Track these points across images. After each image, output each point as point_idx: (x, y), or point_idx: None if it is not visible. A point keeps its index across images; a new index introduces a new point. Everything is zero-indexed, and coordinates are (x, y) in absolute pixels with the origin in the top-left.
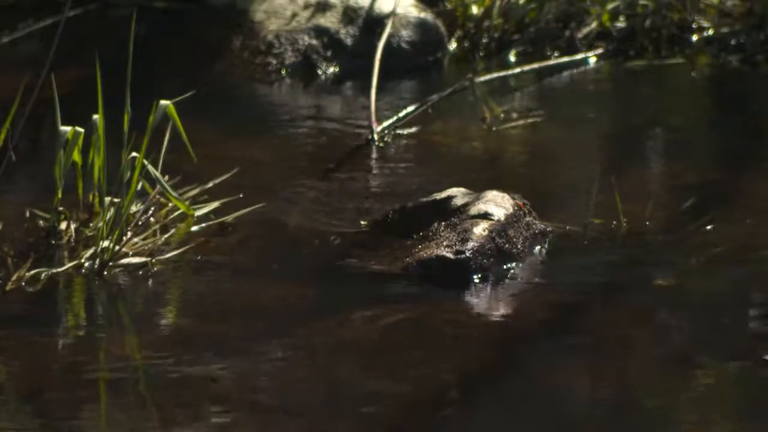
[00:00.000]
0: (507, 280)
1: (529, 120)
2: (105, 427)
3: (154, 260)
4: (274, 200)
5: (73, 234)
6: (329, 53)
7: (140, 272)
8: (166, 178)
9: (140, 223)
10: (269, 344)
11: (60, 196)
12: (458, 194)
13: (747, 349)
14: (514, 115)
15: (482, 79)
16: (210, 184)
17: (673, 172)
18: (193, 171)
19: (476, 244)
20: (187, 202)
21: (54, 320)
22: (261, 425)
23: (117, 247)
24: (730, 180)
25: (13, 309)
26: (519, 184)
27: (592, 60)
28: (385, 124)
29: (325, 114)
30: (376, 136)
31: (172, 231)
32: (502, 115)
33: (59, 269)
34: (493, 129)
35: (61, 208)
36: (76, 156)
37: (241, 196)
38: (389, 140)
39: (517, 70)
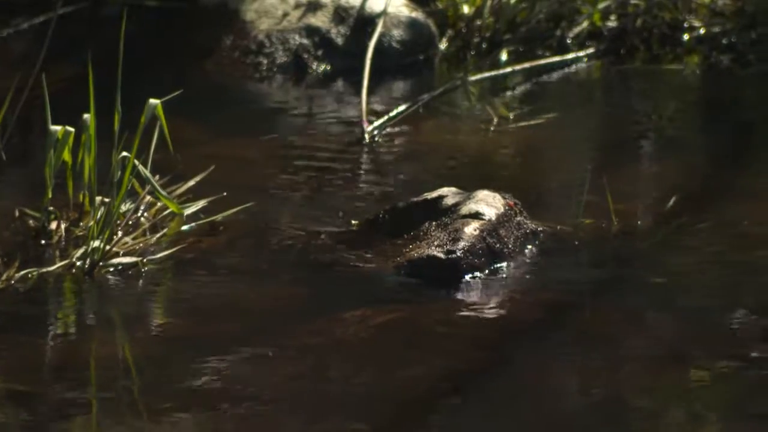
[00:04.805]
0: (498, 280)
1: (523, 121)
2: (95, 427)
3: (144, 260)
4: (264, 199)
5: (63, 233)
6: (320, 52)
7: (131, 272)
8: (157, 177)
9: (130, 222)
10: (260, 344)
11: (50, 195)
12: (449, 194)
13: (737, 348)
14: (511, 116)
15: (473, 78)
16: (192, 182)
17: (664, 171)
18: (183, 170)
19: (467, 244)
20: (177, 202)
21: (44, 320)
22: (251, 424)
23: (107, 247)
24: (722, 179)
25: (2, 309)
26: (510, 183)
27: (584, 59)
28: (376, 123)
29: (316, 113)
30: (366, 136)
31: (163, 231)
32: (511, 116)
33: (49, 269)
34: (489, 129)
35: (51, 208)
36: (67, 155)
37: (231, 195)
38: (380, 139)
39: (509, 69)
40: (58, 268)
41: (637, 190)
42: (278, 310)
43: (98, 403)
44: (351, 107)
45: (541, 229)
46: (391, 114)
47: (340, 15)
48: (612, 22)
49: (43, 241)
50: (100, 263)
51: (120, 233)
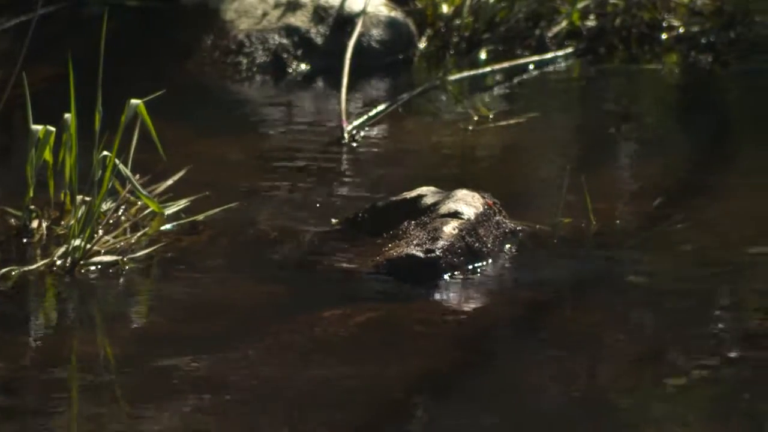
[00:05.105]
0: (477, 279)
1: (502, 120)
2: (76, 424)
3: (125, 258)
4: (245, 199)
5: (45, 232)
6: (300, 52)
7: (111, 270)
8: (137, 176)
9: (111, 221)
10: (240, 342)
11: (31, 194)
12: (428, 193)
13: (716, 348)
14: (491, 115)
15: (453, 78)
16: (170, 181)
17: (643, 171)
18: (164, 170)
19: (446, 243)
20: (157, 201)
21: (25, 318)
22: (230, 422)
23: (88, 246)
24: (700, 179)
25: None
26: (489, 183)
27: (563, 59)
28: (355, 123)
29: (296, 113)
30: (346, 135)
31: (144, 230)
32: (490, 116)
33: (30, 267)
34: (468, 129)
35: (32, 207)
36: (48, 155)
37: (212, 194)
38: (360, 139)
39: (488, 69)
40: (39, 266)
41: (616, 190)
42: (258, 308)
43: (79, 400)
44: (330, 107)
45: (520, 228)
46: (371, 113)
47: (319, 14)
48: (591, 22)
49: (24, 240)
50: (81, 262)
51: (101, 232)
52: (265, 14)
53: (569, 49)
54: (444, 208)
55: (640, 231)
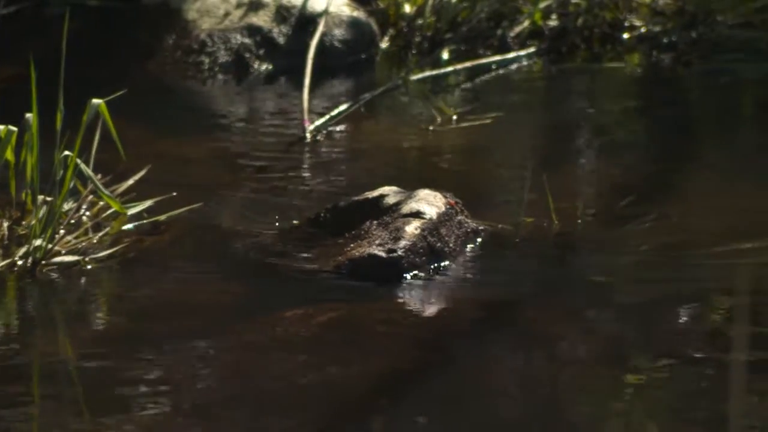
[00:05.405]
0: (439, 279)
1: (464, 120)
2: (36, 425)
3: (86, 259)
4: (207, 199)
5: (6, 232)
6: (262, 52)
7: (73, 270)
8: (99, 176)
9: (73, 221)
10: (201, 342)
11: None
12: (390, 193)
13: (677, 347)
14: (454, 115)
15: (415, 77)
16: (131, 181)
17: (605, 170)
18: (126, 170)
19: (408, 243)
20: (119, 201)
21: None
22: (192, 422)
23: (50, 246)
24: (663, 179)
25: None
26: (451, 182)
27: (525, 58)
28: (318, 122)
29: (258, 112)
30: (308, 135)
31: (106, 230)
32: (454, 117)
33: None
34: (431, 128)
35: None
36: (9, 154)
37: (174, 194)
38: (322, 139)
39: (450, 68)
40: (0, 267)
41: (578, 189)
42: (220, 308)
43: (40, 401)
44: (293, 106)
45: (482, 228)
46: (333, 113)
47: (281, 14)
48: (553, 21)
49: None
50: (42, 262)
51: (62, 232)
52: (227, 14)
53: (531, 49)
54: (406, 208)
55: (602, 230)
